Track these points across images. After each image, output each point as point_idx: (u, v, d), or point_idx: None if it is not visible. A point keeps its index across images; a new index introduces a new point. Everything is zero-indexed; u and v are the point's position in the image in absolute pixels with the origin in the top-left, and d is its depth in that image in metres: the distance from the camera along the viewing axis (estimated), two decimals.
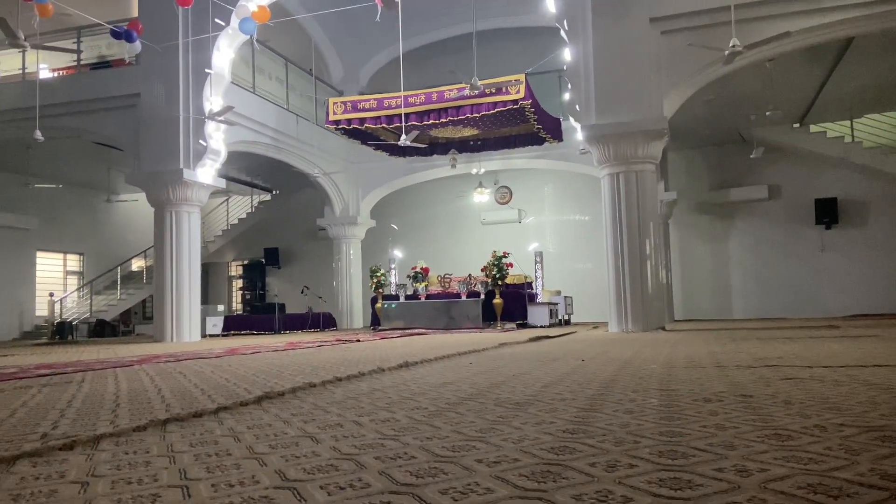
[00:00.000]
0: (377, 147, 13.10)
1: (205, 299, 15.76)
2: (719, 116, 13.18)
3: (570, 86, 9.51)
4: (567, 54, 9.49)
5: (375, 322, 13.05)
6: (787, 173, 14.83)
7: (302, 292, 14.75)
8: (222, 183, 11.45)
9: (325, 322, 14.38)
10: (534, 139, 12.76)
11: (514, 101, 10.35)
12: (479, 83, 9.40)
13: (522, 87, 10.21)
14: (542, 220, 16.84)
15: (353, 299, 15.92)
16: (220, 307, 15.05)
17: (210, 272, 19.20)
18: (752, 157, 13.75)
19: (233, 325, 13.30)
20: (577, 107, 9.29)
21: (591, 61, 9.07)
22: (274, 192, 19.46)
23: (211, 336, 12.59)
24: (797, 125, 14.26)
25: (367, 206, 16.23)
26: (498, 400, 2.44)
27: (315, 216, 16.41)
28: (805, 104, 13.05)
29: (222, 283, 19.82)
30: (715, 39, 8.32)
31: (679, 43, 8.72)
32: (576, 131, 9.80)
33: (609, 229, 9.02)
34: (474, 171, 14.54)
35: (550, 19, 9.76)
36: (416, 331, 11.35)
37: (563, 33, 9.45)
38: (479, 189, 16.13)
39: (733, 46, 7.55)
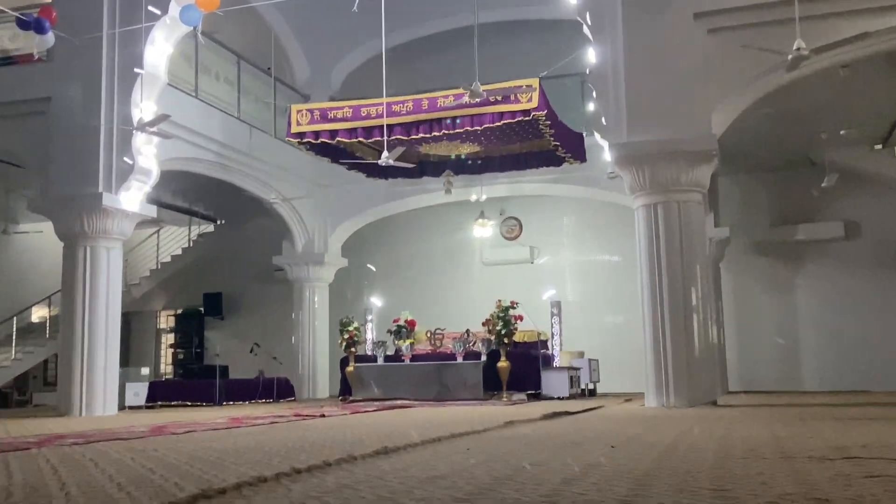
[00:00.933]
0: (352, 167, 13.18)
1: (125, 360, 15.55)
2: (781, 135, 13.39)
3: (594, 94, 9.65)
4: (591, 55, 9.67)
5: (346, 391, 12.92)
6: (868, 207, 15.01)
7: (251, 351, 14.61)
8: (153, 211, 11.43)
9: (280, 390, 14.22)
10: (549, 159, 12.87)
11: (525, 112, 10.47)
12: (482, 89, 9.53)
13: (535, 95, 10.35)
14: (559, 261, 16.88)
15: (318, 361, 15.81)
16: (145, 370, 14.90)
17: (133, 324, 19.06)
18: (823, 185, 13.93)
19: (161, 393, 13.16)
20: (604, 120, 9.42)
21: (622, 64, 9.24)
22: (218, 223, 19.48)
23: (132, 408, 12.42)
24: (879, 147, 14.49)
25: (337, 242, 16.25)
26: (503, 503, 2.42)
27: (270, 253, 16.42)
28: (889, 122, 13.28)
29: (148, 338, 19.67)
30: (775, 40, 8.49)
31: (731, 44, 8.91)
32: (602, 150, 9.90)
33: (645, 274, 9.05)
34: (474, 197, 14.64)
35: (571, 12, 9.97)
36: (399, 403, 11.25)
37: (586, 29, 9.64)
38: (480, 221, 16.22)
39: (798, 49, 7.72)
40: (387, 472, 3.20)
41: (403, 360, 12.54)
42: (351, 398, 12.49)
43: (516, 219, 17.08)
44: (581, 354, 13.86)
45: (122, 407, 12.05)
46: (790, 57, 7.83)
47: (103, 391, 10.41)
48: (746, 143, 13.34)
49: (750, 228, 15.66)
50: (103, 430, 6.47)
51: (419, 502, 2.43)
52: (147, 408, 12.53)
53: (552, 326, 13.37)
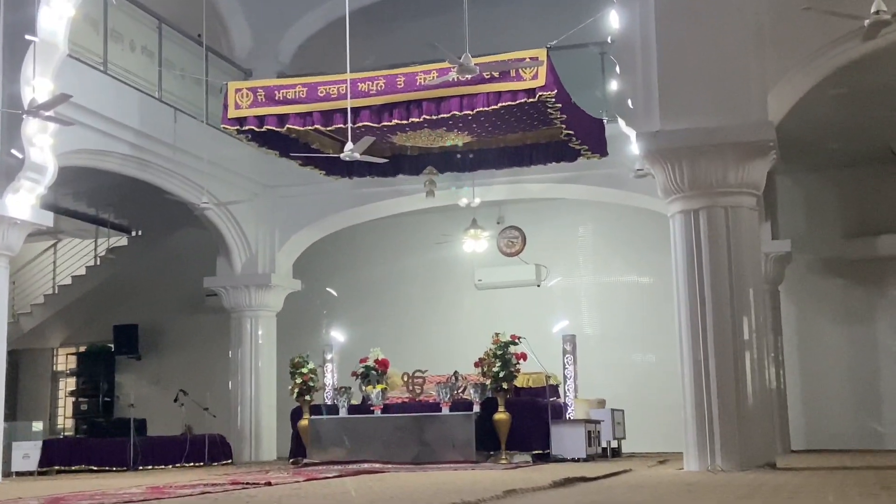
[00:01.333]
0: (306, 162, 13.14)
1: (12, 412, 15.39)
2: (857, 121, 13.46)
3: (618, 69, 9.68)
4: (614, 20, 9.70)
5: (299, 452, 12.80)
6: None
7: (176, 400, 14.48)
8: (48, 219, 11.34)
9: (213, 451, 14.10)
10: (560, 152, 12.87)
11: (530, 92, 10.47)
12: (473, 62, 9.54)
13: (543, 71, 10.37)
14: (574, 284, 16.86)
15: (262, 413, 15.70)
16: (38, 425, 14.78)
17: (22, 365, 18.87)
18: None
19: (59, 455, 13.02)
20: (631, 102, 9.44)
21: (653, 32, 9.27)
22: (133, 235, 19.37)
23: (21, 475, 12.29)
24: None
25: (287, 259, 16.19)
26: None
27: (201, 274, 16.32)
28: None
29: (42, 384, 19.50)
30: (848, 1, 8.56)
31: (792, 7, 8.97)
32: (628, 141, 9.91)
33: (683, 300, 9.05)
34: (465, 202, 14.62)
35: None
36: (367, 467, 11.17)
37: None
38: (472, 232, 16.20)
39: (877, 13, 7.77)
40: None
41: (373, 412, 12.44)
42: (305, 461, 12.36)
43: (518, 229, 17.06)
44: (602, 403, 13.82)
45: (6, 473, 11.91)
46: (868, 22, 7.87)
47: None
48: (812, 132, 13.40)
49: (817, 241, 15.71)
50: None
51: None
52: (40, 474, 12.38)
53: (564, 368, 13.30)
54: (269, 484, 8.01)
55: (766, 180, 9.44)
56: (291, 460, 13.06)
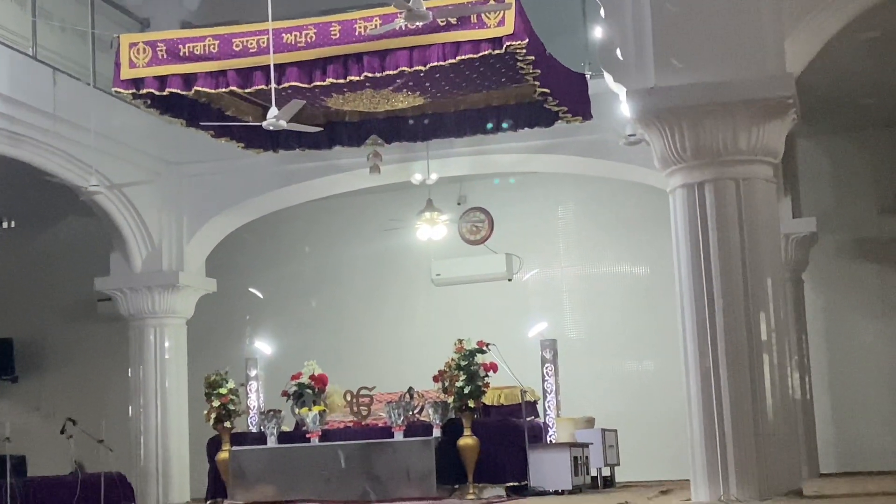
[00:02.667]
0: (220, 133, 13.07)
1: None
2: (894, 72, 13.60)
3: (602, 13, 9.69)
4: None
5: (218, 491, 12.81)
6: None
7: (63, 432, 14.29)
8: None
9: (111, 493, 13.94)
10: (535, 116, 12.90)
11: (496, 42, 10.47)
12: (425, 6, 9.51)
13: (511, 15, 10.36)
14: (553, 277, 16.91)
15: (171, 444, 15.57)
16: None
17: None
18: None
19: None
20: (619, 53, 9.46)
21: None
22: (4, 226, 19.09)
23: None
24: None
25: (199, 253, 16.07)
26: None
27: (91, 274, 16.17)
28: None
29: None
30: None
31: None
32: (617, 101, 9.93)
33: (687, 294, 9.11)
34: (418, 178, 14.62)
35: None
36: None
37: None
38: (427, 215, 16.15)
39: None
40: None
41: (309, 440, 12.44)
42: (226, 503, 12.31)
43: (484, 211, 17.09)
44: (590, 423, 13.88)
45: None
46: None
47: None
48: (840, 86, 13.53)
49: (848, 219, 15.87)
50: None
51: None
52: None
53: (544, 380, 13.35)
54: None
55: (785, 146, 9.51)
56: (209, 502, 13.00)
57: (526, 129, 13.21)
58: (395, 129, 13.49)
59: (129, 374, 15.85)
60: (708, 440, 8.87)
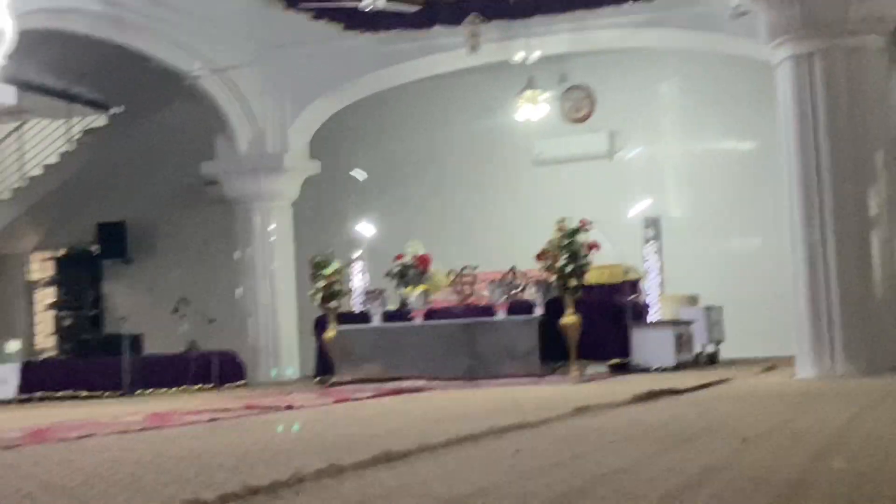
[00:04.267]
0: (320, 14, 13.04)
1: None
2: None
3: None
4: None
5: (325, 369, 13.05)
6: None
7: (175, 311, 14.72)
8: (10, 95, 11.40)
9: (223, 371, 14.35)
10: None
11: None
12: None
13: None
14: (656, 155, 16.74)
15: (280, 324, 15.96)
16: (14, 345, 15.11)
17: None
18: None
19: (40, 380, 13.33)
20: None
21: None
22: (113, 112, 19.41)
23: None
24: None
25: (302, 135, 16.20)
26: None
27: (197, 158, 16.45)
28: None
29: (15, 296, 19.88)
30: None
31: None
32: None
33: (794, 169, 9.00)
34: (519, 57, 14.47)
35: None
36: (408, 385, 11.33)
37: None
38: (528, 94, 16.04)
39: None
40: (392, 489, 3.25)
41: (413, 319, 12.60)
42: (333, 380, 12.57)
43: (585, 89, 16.89)
44: (694, 301, 13.86)
45: None
46: None
47: None
48: None
49: None
50: None
51: None
52: (20, 402, 12.68)
53: (646, 259, 13.33)
54: (290, 408, 8.18)
55: None
56: (316, 380, 13.31)
57: (629, 3, 12.98)
58: (495, 6, 13.34)
59: (237, 257, 16.18)
60: (814, 317, 8.84)
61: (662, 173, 16.66)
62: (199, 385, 13.96)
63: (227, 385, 14.27)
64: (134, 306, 17.57)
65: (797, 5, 8.82)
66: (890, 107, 9.43)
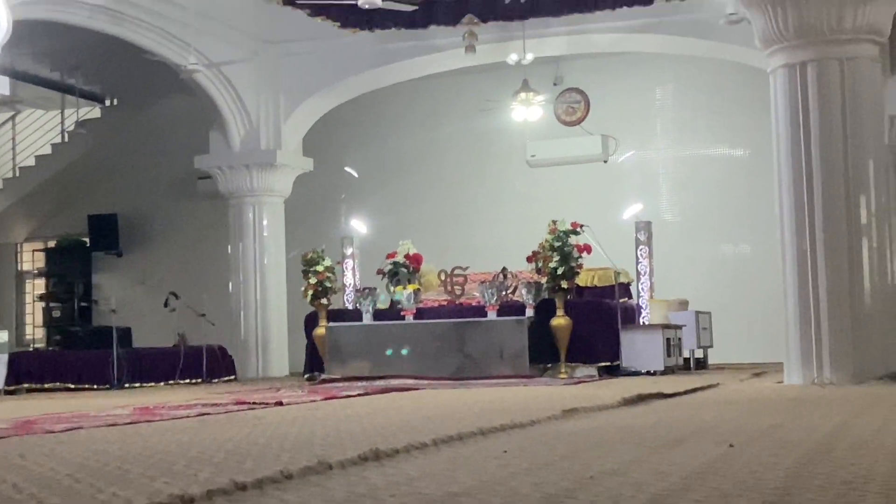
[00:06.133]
0: (317, 11, 13.03)
1: None
2: None
3: None
4: None
5: (315, 366, 13.05)
6: None
7: (166, 305, 14.71)
8: (4, 85, 11.39)
9: (213, 365, 14.38)
10: None
11: None
12: None
13: None
14: (649, 159, 16.77)
15: (270, 319, 15.96)
16: (2, 335, 15.08)
17: None
18: None
19: (29, 371, 13.29)
20: None
21: None
22: (107, 104, 19.40)
23: None
24: None
25: (296, 132, 16.20)
26: None
27: (191, 152, 16.42)
28: None
29: (4, 286, 19.86)
30: None
31: None
32: None
33: (786, 177, 9.01)
34: (514, 58, 14.47)
35: None
36: (397, 383, 11.32)
37: None
38: (523, 95, 16.02)
39: None
40: (379, 488, 3.26)
41: (403, 318, 12.60)
42: (322, 377, 12.58)
43: (580, 92, 16.91)
44: (684, 305, 13.87)
45: None
46: None
47: None
48: None
49: None
50: None
51: None
52: (7, 393, 12.67)
53: (638, 262, 13.34)
54: (279, 404, 8.17)
55: (892, 22, 9.26)
56: (306, 376, 13.30)
57: (625, 7, 13.01)
58: (492, 7, 13.36)
59: (229, 251, 16.18)
60: (803, 324, 8.85)
61: (655, 177, 16.69)
62: (189, 379, 14.00)
63: (216, 380, 14.29)
64: (124, 299, 17.56)
65: (791, 14, 8.82)
66: (882, 116, 9.47)
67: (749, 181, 15.38)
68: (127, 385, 13.23)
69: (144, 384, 13.49)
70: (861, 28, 8.85)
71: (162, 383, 13.69)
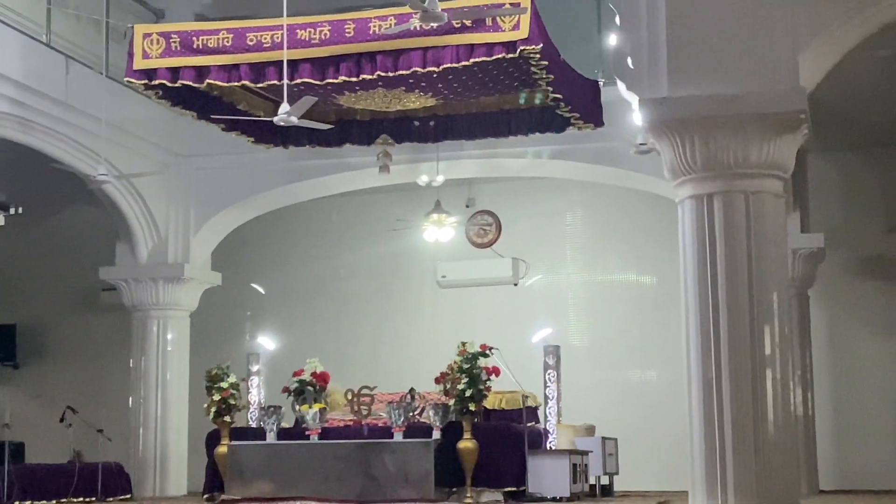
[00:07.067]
0: (231, 126, 13.10)
1: None
2: None
3: (618, 20, 9.70)
4: None
5: (215, 486, 12.84)
6: None
7: (62, 420, 14.36)
8: None
9: (108, 483, 14.01)
10: (546, 121, 12.93)
11: (510, 46, 10.49)
12: (440, 7, 9.53)
13: (526, 20, 10.37)
14: (559, 283, 16.93)
15: (170, 436, 15.64)
16: None
17: None
18: None
19: None
20: (632, 62, 9.46)
21: None
22: (11, 212, 19.10)
23: None
24: None
25: (205, 246, 16.11)
26: None
27: (96, 263, 16.21)
28: None
29: None
30: None
31: None
32: (629, 109, 9.94)
33: (693, 304, 9.09)
34: (425, 179, 14.63)
35: None
36: None
37: None
38: (435, 217, 16.16)
39: None
40: None
41: (308, 437, 12.47)
42: (222, 497, 12.40)
43: (492, 214, 17.09)
44: (590, 431, 13.89)
45: None
46: None
47: None
48: (852, 102, 13.49)
49: (856, 235, 15.82)
50: None
51: None
52: None
53: (546, 386, 13.38)
54: None
55: (795, 160, 9.48)
56: (206, 496, 13.07)
57: (537, 133, 13.26)
58: (406, 129, 13.52)
59: (131, 365, 15.90)
60: (708, 452, 8.86)
61: (565, 302, 16.83)
62: (83, 498, 13.63)
63: (111, 498, 13.94)
64: (19, 413, 17.07)
65: (699, 147, 9.00)
66: (785, 249, 9.66)
67: (657, 308, 15.59)
68: (17, 503, 12.85)
69: (35, 502, 13.11)
70: (766, 163, 9.06)
71: (54, 501, 13.31)
